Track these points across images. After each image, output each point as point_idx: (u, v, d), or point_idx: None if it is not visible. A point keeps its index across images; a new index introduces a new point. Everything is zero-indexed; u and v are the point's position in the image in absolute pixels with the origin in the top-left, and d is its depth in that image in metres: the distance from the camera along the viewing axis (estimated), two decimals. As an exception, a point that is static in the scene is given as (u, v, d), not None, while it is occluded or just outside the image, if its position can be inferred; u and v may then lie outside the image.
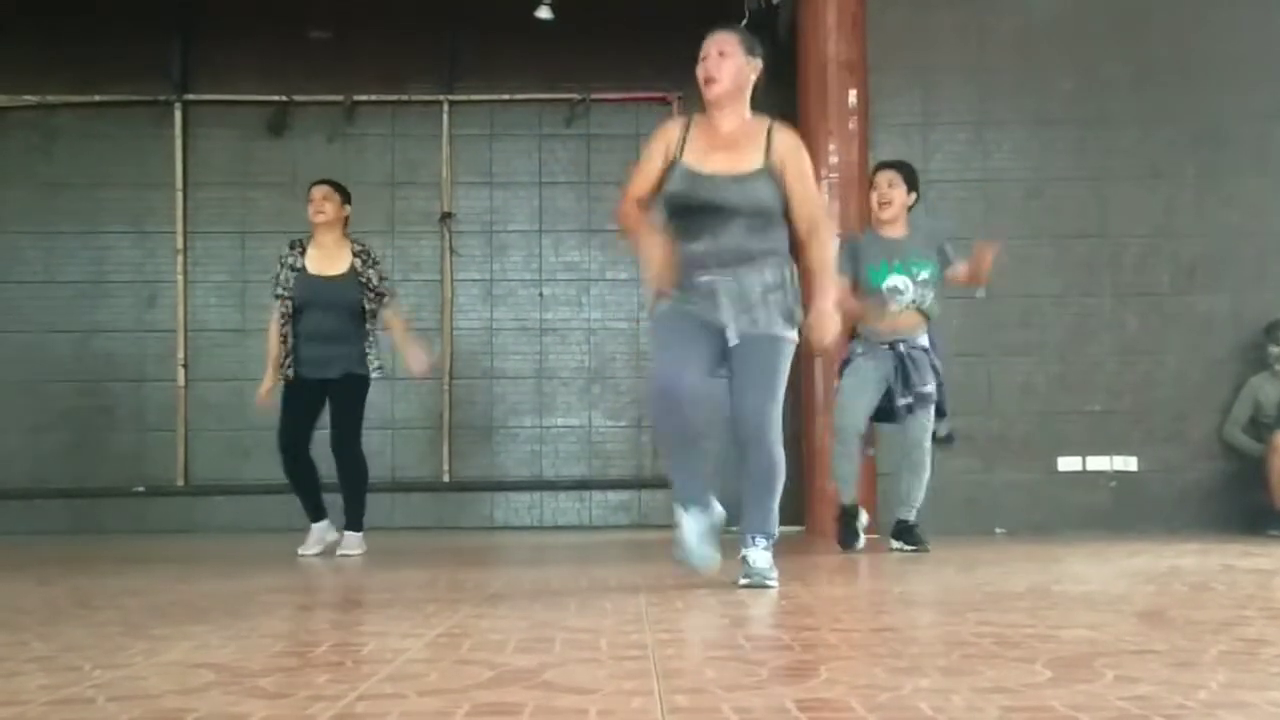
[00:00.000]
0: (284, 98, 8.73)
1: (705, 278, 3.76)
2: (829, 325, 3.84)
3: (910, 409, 5.64)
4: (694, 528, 3.76)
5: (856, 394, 5.68)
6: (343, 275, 5.88)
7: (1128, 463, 7.66)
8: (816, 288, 3.91)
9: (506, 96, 8.77)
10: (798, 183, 3.87)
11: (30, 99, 8.70)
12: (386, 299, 6.00)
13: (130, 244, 8.74)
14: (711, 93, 3.91)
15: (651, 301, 3.91)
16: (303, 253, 5.93)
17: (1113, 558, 5.11)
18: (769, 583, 3.74)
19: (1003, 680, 2.00)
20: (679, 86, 8.59)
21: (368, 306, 5.89)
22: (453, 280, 8.74)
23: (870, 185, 5.91)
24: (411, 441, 8.66)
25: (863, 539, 5.84)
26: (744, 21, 8.02)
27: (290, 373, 5.81)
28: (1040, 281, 7.75)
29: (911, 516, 5.72)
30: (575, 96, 8.70)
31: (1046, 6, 7.91)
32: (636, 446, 8.61)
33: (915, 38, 7.86)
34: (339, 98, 8.70)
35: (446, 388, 8.64)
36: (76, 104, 8.70)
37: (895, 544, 5.72)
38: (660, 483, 8.69)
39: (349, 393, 5.85)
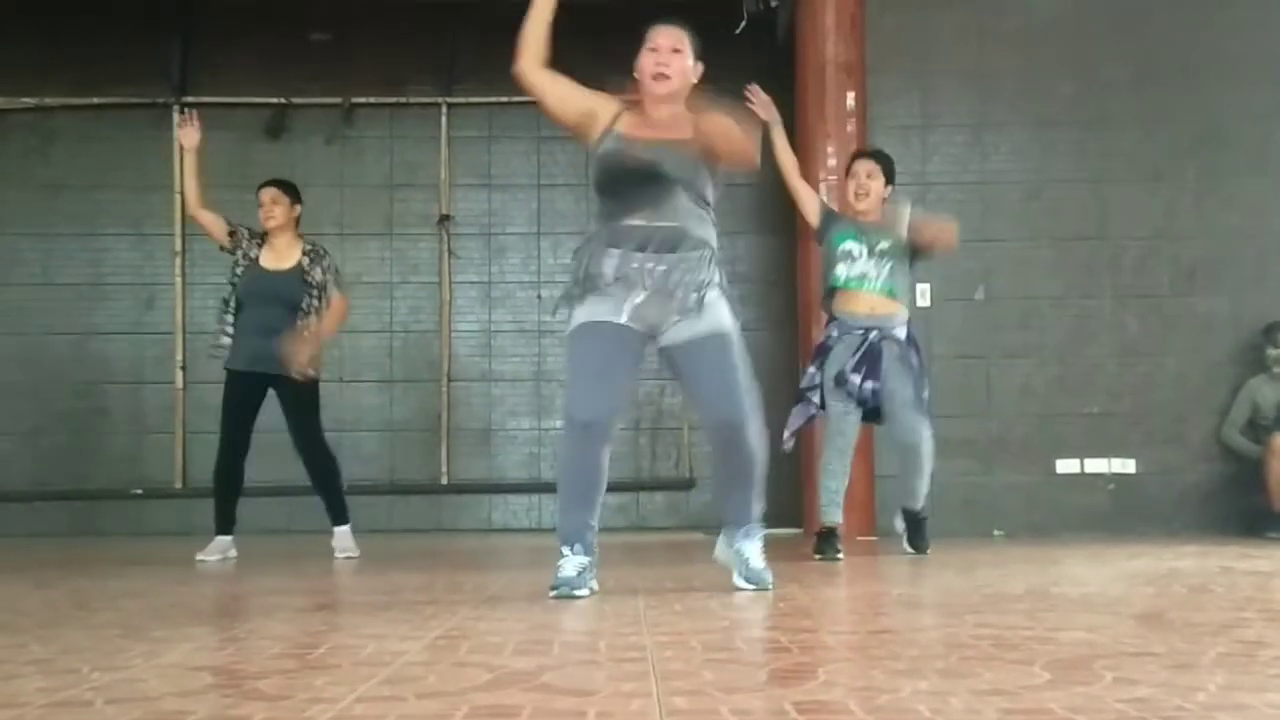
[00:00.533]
0: (282, 100, 8.73)
1: (644, 265, 3.60)
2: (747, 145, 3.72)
3: (875, 394, 5.39)
4: (575, 564, 3.63)
5: (848, 402, 5.45)
6: (289, 270, 5.81)
7: (1126, 465, 7.66)
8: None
9: (505, 99, 8.76)
10: (723, 128, 3.69)
11: (28, 101, 8.70)
12: (330, 296, 5.85)
13: (128, 246, 8.74)
14: (660, 89, 3.77)
15: (576, 310, 3.70)
16: (260, 244, 5.88)
17: (1111, 560, 5.11)
18: (768, 586, 3.71)
19: (1001, 682, 2.00)
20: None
21: (305, 305, 5.77)
22: (451, 282, 8.74)
23: (848, 173, 5.77)
24: (409, 444, 8.66)
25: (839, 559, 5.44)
26: (743, 24, 8.04)
27: (226, 352, 5.87)
28: (1039, 283, 7.75)
29: (918, 504, 5.62)
30: (574, 99, 8.70)
31: (1046, 8, 7.91)
32: (634, 449, 8.60)
33: (914, 40, 7.87)
34: (337, 100, 8.70)
35: (444, 390, 8.64)
36: (75, 106, 8.70)
37: (900, 525, 5.74)
38: (658, 485, 8.71)
39: (297, 394, 5.76)
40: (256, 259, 5.84)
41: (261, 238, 5.92)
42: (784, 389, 6.55)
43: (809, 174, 7.37)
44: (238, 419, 5.80)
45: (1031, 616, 2.98)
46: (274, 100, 8.73)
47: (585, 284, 3.68)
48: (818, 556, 5.35)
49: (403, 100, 8.79)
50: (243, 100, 8.71)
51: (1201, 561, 4.95)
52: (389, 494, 8.44)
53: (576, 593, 3.56)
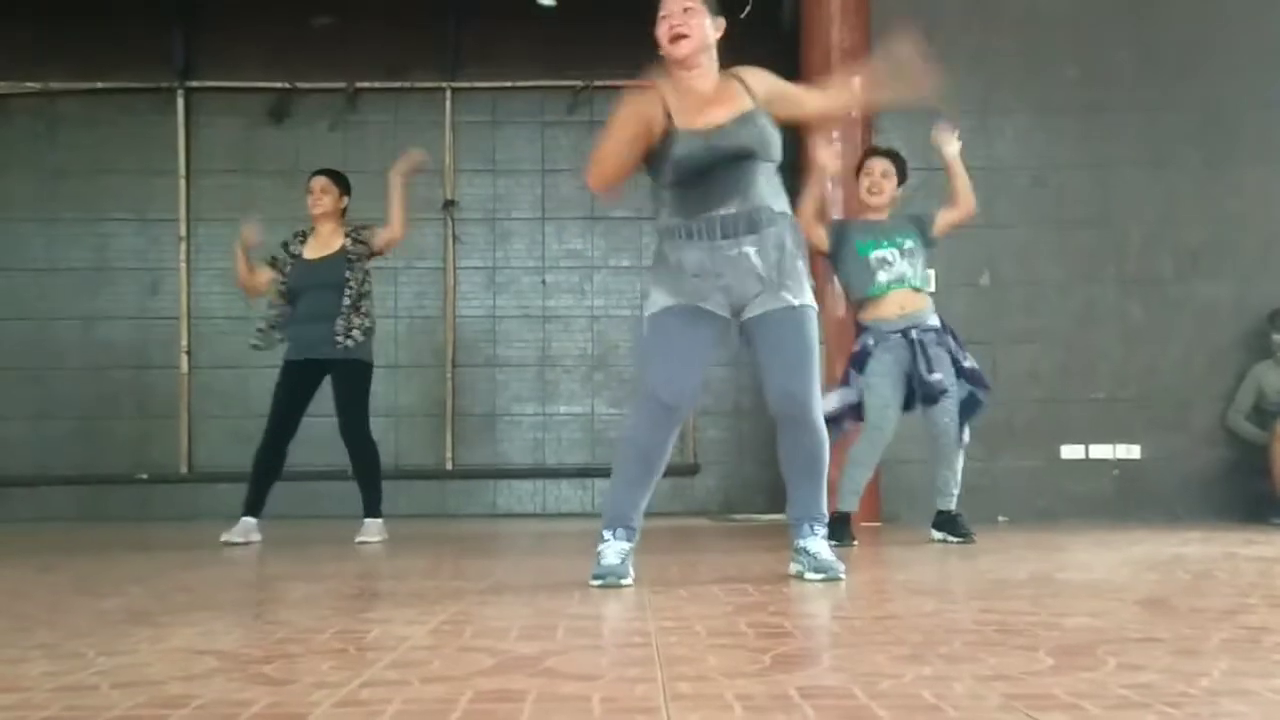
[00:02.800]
0: (286, 85, 8.72)
1: (736, 250, 3.56)
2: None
3: (930, 399, 5.41)
4: (618, 550, 3.62)
5: (886, 394, 5.42)
6: (332, 255, 5.96)
7: (1131, 450, 7.66)
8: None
9: (509, 84, 8.76)
10: (788, 92, 3.79)
11: (33, 86, 8.69)
12: (374, 235, 6.01)
13: (133, 231, 8.74)
14: (680, 50, 3.65)
15: (658, 297, 3.64)
16: (304, 241, 6.06)
17: (1116, 545, 5.11)
18: (840, 575, 3.61)
19: (1005, 668, 2.00)
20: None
21: (349, 279, 5.89)
22: (455, 268, 8.74)
23: (860, 169, 5.76)
24: (414, 429, 8.67)
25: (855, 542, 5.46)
26: (747, 9, 8.02)
27: (277, 337, 5.98)
28: (1044, 269, 7.74)
29: (952, 505, 5.53)
30: (578, 83, 8.69)
31: (1051, -7, 7.89)
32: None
33: (918, 25, 7.78)
34: (341, 85, 8.69)
35: (449, 375, 8.65)
36: (79, 91, 8.69)
37: (937, 535, 5.52)
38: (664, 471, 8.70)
39: (350, 378, 5.89)
40: (300, 255, 6.01)
41: (303, 234, 6.08)
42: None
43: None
44: (289, 405, 5.90)
45: (1035, 602, 2.98)
46: (278, 85, 8.72)
47: (675, 275, 3.62)
48: (832, 543, 5.33)
49: (407, 85, 8.77)
50: (246, 85, 8.70)
51: (1206, 547, 4.95)
52: (394, 479, 8.37)
53: (624, 582, 3.52)
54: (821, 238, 5.60)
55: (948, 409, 5.46)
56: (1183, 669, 1.99)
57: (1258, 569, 3.94)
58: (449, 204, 8.72)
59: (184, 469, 8.57)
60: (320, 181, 6.09)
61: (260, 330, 6.03)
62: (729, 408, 8.68)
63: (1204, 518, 7.29)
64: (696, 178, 3.58)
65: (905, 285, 5.50)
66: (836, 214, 6.97)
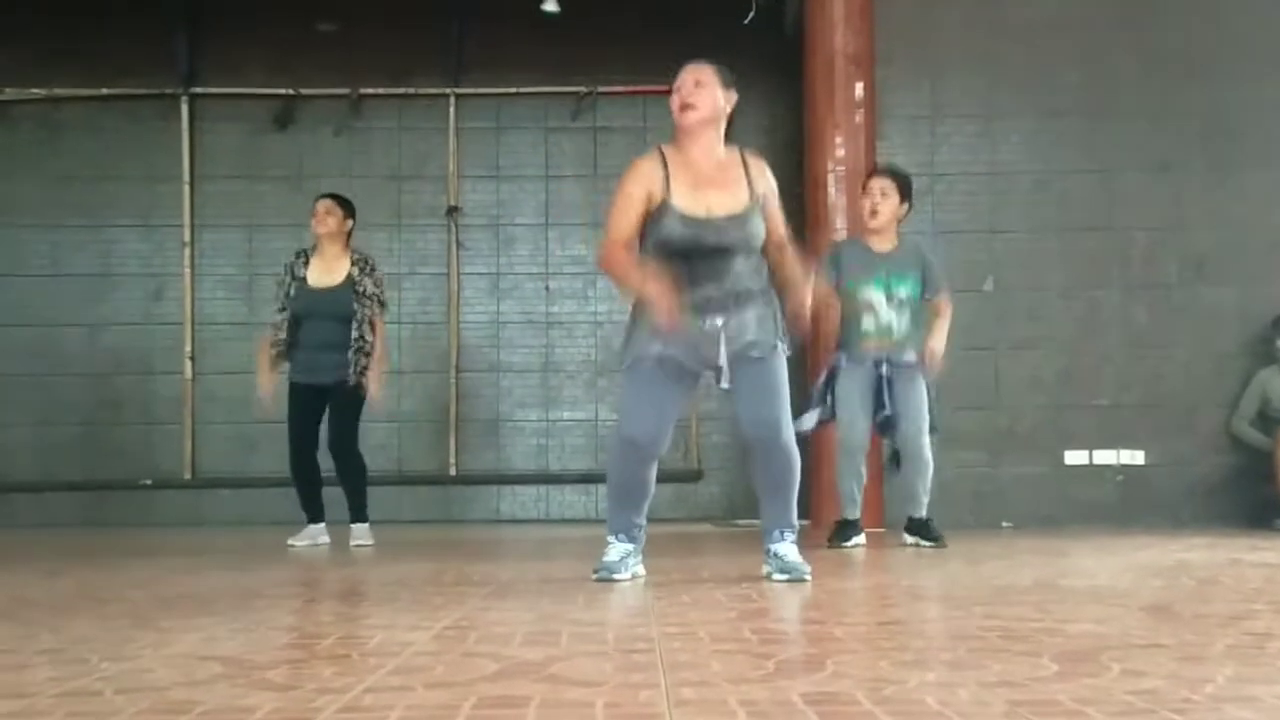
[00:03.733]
0: (291, 91, 8.73)
1: (713, 322, 3.78)
2: (805, 316, 3.93)
3: (885, 427, 5.67)
4: (619, 550, 3.93)
5: (854, 409, 5.62)
6: (339, 285, 6.05)
7: (1135, 456, 7.65)
8: (791, 294, 3.94)
9: (513, 90, 8.76)
10: (773, 210, 3.95)
11: (37, 92, 8.71)
12: (375, 310, 6.09)
13: (137, 237, 8.75)
14: (688, 120, 3.82)
15: (641, 341, 3.83)
16: (306, 263, 6.12)
17: (1119, 551, 5.11)
18: (805, 576, 3.81)
19: (1009, 674, 2.00)
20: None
21: (357, 312, 6.01)
22: (459, 274, 8.74)
23: (863, 190, 5.83)
24: (418, 435, 8.67)
25: (856, 543, 5.65)
26: (750, 14, 8.04)
27: (288, 371, 6.08)
28: (1048, 275, 7.74)
29: (922, 512, 5.67)
30: (582, 89, 8.70)
31: (1054, -1, 7.90)
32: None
33: (923, 30, 7.85)
34: (346, 91, 8.70)
35: (453, 381, 8.65)
36: (83, 97, 8.71)
37: (910, 539, 5.67)
38: (666, 477, 8.62)
39: (344, 399, 6.05)
40: (304, 279, 6.06)
41: (306, 254, 6.14)
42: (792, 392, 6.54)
43: (819, 167, 7.39)
44: (303, 423, 6.06)
45: (1039, 608, 2.97)
46: (282, 91, 8.73)
47: (647, 327, 3.79)
48: (828, 544, 5.58)
49: (411, 91, 8.78)
50: (251, 91, 8.72)
51: (1210, 553, 4.94)
52: (397, 484, 8.44)
53: (616, 576, 3.82)
54: (823, 289, 5.57)
55: (911, 433, 5.59)
56: (1187, 675, 1.98)
57: (1262, 575, 3.93)
58: (453, 210, 8.73)
59: (187, 475, 8.57)
60: (325, 204, 6.16)
61: (276, 343, 6.10)
62: (732, 413, 8.67)
63: (1208, 523, 7.28)
64: (679, 257, 3.77)
65: (891, 336, 5.62)
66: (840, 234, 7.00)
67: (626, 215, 3.80)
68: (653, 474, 3.95)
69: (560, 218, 8.80)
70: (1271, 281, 7.67)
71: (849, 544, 5.59)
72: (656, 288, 3.64)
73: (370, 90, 8.75)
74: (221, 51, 8.79)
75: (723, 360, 3.80)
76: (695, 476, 8.63)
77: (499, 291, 8.79)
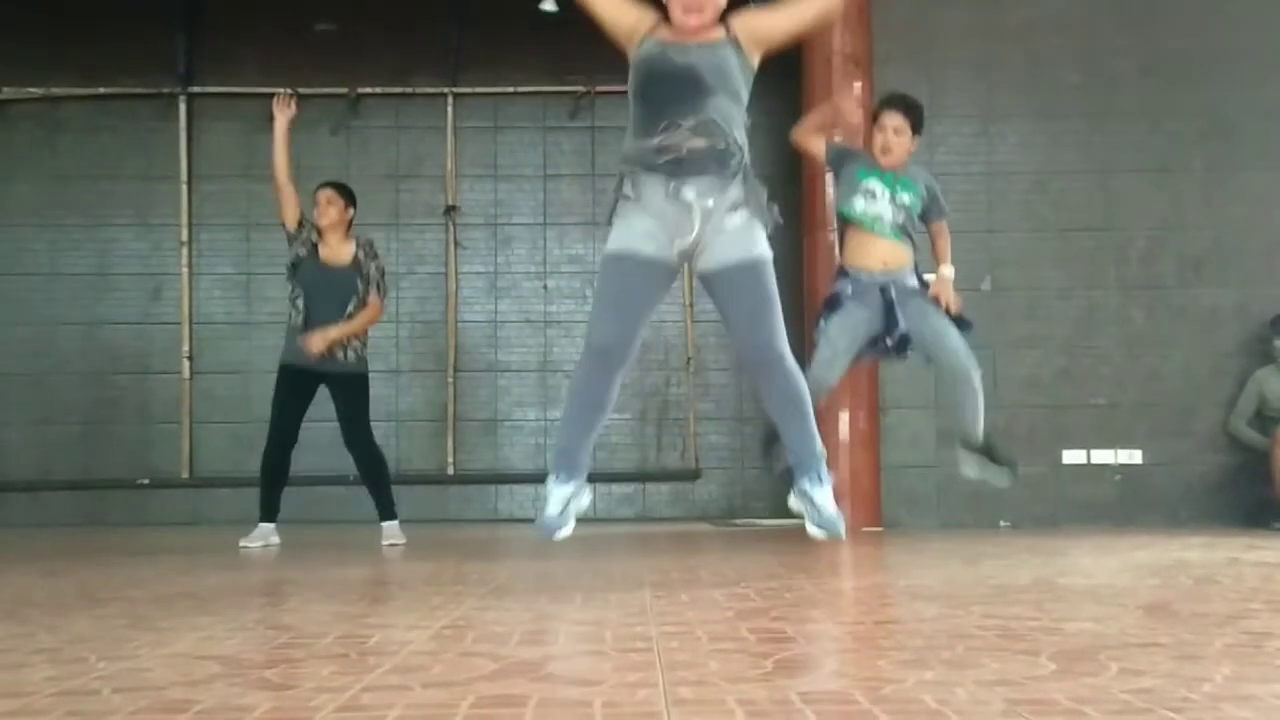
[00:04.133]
0: (288, 90, 8.72)
1: (688, 194, 3.62)
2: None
3: (899, 349, 5.21)
4: (560, 495, 3.74)
5: (843, 351, 5.25)
6: (346, 266, 6.03)
7: (1133, 456, 7.66)
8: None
9: (511, 89, 8.77)
10: (770, 17, 3.84)
11: (35, 92, 8.71)
12: (374, 292, 6.06)
13: (135, 236, 8.75)
14: (692, 21, 3.70)
15: (619, 237, 3.69)
16: (319, 235, 6.08)
17: (1117, 551, 5.11)
18: (841, 534, 3.73)
19: (1007, 673, 2.00)
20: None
21: (359, 295, 6.00)
22: (457, 273, 8.75)
23: (874, 121, 5.46)
24: (416, 434, 8.67)
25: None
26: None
27: (280, 352, 5.99)
28: (1046, 275, 7.74)
29: (980, 433, 5.15)
30: (580, 89, 8.70)
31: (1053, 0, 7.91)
32: (640, 439, 8.61)
33: (921, 31, 7.86)
34: (343, 90, 8.71)
35: (451, 380, 8.65)
36: (81, 97, 8.71)
37: (971, 468, 5.18)
38: (664, 475, 8.71)
39: (348, 391, 5.98)
40: (316, 246, 6.05)
41: (319, 231, 6.12)
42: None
43: (816, 167, 7.37)
44: (288, 412, 5.95)
45: (1037, 607, 2.97)
46: (280, 91, 8.71)
47: (625, 215, 3.72)
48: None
49: (409, 91, 8.79)
50: (248, 90, 8.71)
51: (1208, 553, 4.94)
52: (395, 484, 8.39)
53: (557, 535, 3.69)
54: (819, 148, 5.42)
55: (947, 349, 5.13)
56: (1185, 674, 1.98)
57: (1260, 574, 3.94)
58: (450, 209, 8.73)
59: (185, 474, 8.58)
60: (326, 193, 6.14)
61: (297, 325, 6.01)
62: (730, 413, 8.68)
63: (1206, 523, 7.29)
64: (652, 88, 3.68)
65: (879, 229, 5.24)
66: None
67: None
68: (615, 389, 3.76)
69: (558, 217, 8.81)
70: (1269, 282, 7.68)
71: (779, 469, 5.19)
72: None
73: (368, 89, 8.75)
74: (219, 51, 8.79)
75: (691, 234, 3.64)
76: (693, 476, 8.64)
77: (497, 291, 8.80)
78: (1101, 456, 7.66)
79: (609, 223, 3.78)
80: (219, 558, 5.27)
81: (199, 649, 2.37)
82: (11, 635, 2.64)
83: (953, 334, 5.20)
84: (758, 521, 7.90)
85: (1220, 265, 7.73)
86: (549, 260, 8.81)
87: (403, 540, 5.99)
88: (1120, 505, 7.59)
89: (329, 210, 6.07)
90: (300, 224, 6.10)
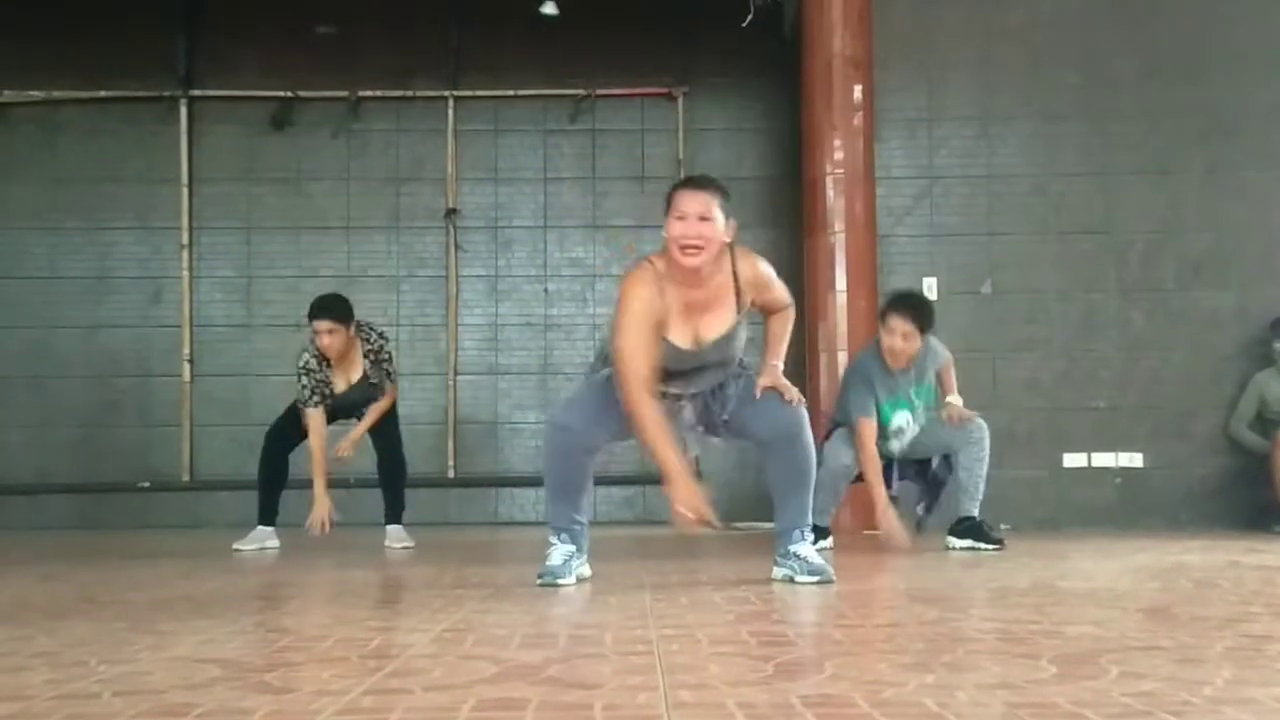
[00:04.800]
0: (289, 93, 8.73)
1: (676, 411, 3.92)
2: (779, 379, 3.89)
3: (938, 478, 5.84)
4: (563, 552, 3.88)
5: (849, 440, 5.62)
6: (358, 383, 5.99)
7: (1133, 459, 7.65)
8: (767, 354, 3.96)
9: (511, 92, 8.77)
10: (765, 297, 3.93)
11: (36, 94, 8.71)
12: (388, 385, 6.10)
13: (135, 239, 8.75)
14: (691, 263, 3.64)
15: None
16: (328, 364, 5.89)
17: (1118, 554, 5.11)
18: (832, 578, 3.80)
19: (1007, 676, 2.00)
20: (683, 81, 8.60)
21: (376, 388, 6.08)
22: (458, 276, 8.74)
23: (882, 321, 5.58)
24: (417, 437, 8.63)
25: (823, 546, 5.41)
26: (749, 17, 8.03)
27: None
28: (1046, 277, 7.74)
29: (975, 510, 5.53)
30: (580, 92, 8.70)
31: (1052, 1, 7.90)
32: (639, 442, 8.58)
33: (921, 33, 7.86)
34: (344, 93, 8.70)
35: (451, 384, 8.65)
36: (82, 99, 8.71)
37: (961, 543, 5.46)
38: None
39: (382, 427, 6.14)
40: (329, 382, 5.91)
41: (325, 364, 5.91)
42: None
43: (816, 170, 7.38)
44: (295, 419, 5.99)
45: (1038, 611, 2.97)
46: (280, 94, 8.73)
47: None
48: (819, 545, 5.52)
49: (409, 94, 8.78)
50: (249, 93, 8.72)
51: (1208, 556, 4.94)
52: (395, 487, 8.44)
53: (560, 582, 3.77)
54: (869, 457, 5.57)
55: (969, 435, 5.61)
56: (1185, 677, 1.98)
57: (1260, 577, 3.94)
58: (451, 212, 8.73)
59: (185, 477, 8.57)
60: (325, 325, 5.78)
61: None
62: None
63: (1206, 526, 7.29)
64: (664, 372, 3.81)
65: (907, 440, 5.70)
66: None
67: (639, 346, 3.67)
68: (587, 467, 3.88)
69: (559, 220, 8.80)
70: (1269, 284, 7.67)
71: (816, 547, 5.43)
72: (677, 472, 3.62)
73: (368, 93, 8.75)
74: (220, 54, 8.79)
75: (690, 421, 3.96)
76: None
77: (497, 294, 8.79)
78: (1102, 459, 7.66)
79: (594, 366, 4.03)
80: (219, 561, 5.27)
81: (199, 652, 2.37)
82: (11, 639, 2.64)
83: (971, 427, 5.64)
84: (758, 524, 7.88)
85: (1220, 267, 7.73)
86: (549, 263, 8.80)
87: (411, 543, 5.99)
88: (1121, 508, 7.58)
89: (332, 345, 5.78)
90: (315, 383, 5.88)
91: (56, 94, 8.70)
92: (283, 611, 3.19)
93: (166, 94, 8.71)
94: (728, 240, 3.71)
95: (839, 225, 7.27)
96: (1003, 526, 7.40)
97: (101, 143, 8.74)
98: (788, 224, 8.13)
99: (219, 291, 8.73)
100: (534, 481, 8.63)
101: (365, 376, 5.97)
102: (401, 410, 8.50)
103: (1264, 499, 7.16)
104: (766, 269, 3.90)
